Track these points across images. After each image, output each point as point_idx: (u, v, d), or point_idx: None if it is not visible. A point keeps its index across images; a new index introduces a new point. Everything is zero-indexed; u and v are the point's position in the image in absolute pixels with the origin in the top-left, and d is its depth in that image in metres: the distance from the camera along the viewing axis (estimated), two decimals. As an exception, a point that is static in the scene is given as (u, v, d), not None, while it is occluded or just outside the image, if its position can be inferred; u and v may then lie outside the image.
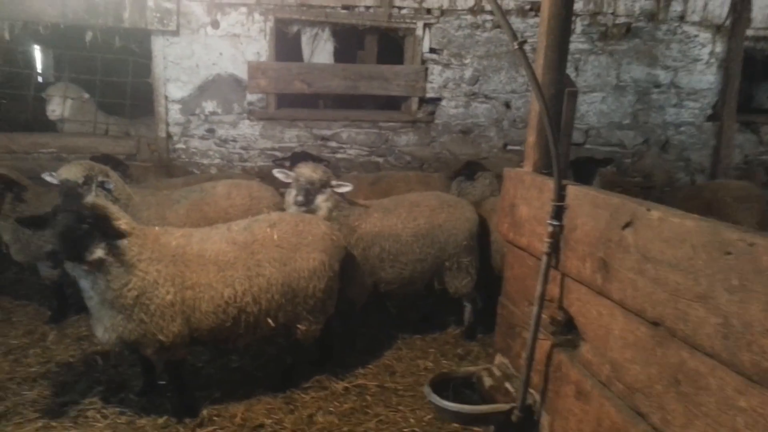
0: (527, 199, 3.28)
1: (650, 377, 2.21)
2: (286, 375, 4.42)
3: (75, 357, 4.62)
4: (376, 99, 8.52)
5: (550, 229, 2.84)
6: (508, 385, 3.21)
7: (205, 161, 7.23)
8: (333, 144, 7.62)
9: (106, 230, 3.39)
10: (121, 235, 3.45)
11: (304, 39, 7.62)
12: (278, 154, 7.31)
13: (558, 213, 2.83)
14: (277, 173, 4.90)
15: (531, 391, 3.04)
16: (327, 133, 7.59)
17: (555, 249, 2.86)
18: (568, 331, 2.84)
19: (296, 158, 6.21)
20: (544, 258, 2.85)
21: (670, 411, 2.10)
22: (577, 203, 2.77)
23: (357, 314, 5.35)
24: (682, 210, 2.23)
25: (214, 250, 3.91)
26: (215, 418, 3.91)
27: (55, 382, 4.23)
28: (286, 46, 7.68)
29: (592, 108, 8.11)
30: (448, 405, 2.95)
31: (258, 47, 7.17)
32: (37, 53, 10.82)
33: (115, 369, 4.47)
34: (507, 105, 7.95)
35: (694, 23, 8.15)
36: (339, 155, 7.62)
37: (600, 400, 2.49)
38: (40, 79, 10.28)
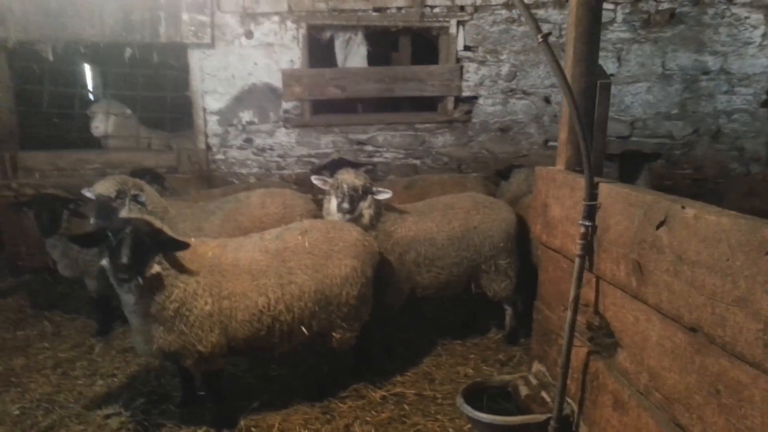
0: (559, 198, 3.14)
1: (689, 387, 2.06)
2: (323, 384, 4.39)
3: (119, 369, 4.72)
4: (413, 100, 8.45)
5: (582, 229, 2.70)
6: (544, 394, 3.08)
7: (244, 171, 7.31)
8: (369, 148, 7.59)
9: (162, 244, 3.44)
10: (182, 246, 3.50)
11: (338, 44, 7.62)
12: (315, 160, 7.33)
13: (590, 212, 2.69)
14: (316, 180, 4.85)
15: (568, 400, 2.90)
16: (363, 137, 7.56)
17: (588, 251, 2.73)
18: (604, 337, 2.69)
19: (334, 165, 6.20)
20: (577, 260, 2.71)
21: (711, 424, 1.95)
22: (609, 202, 2.62)
23: (395, 320, 5.28)
24: (733, 201, 2.08)
25: (247, 259, 3.92)
26: (253, 429, 3.92)
27: (100, 394, 4.34)
28: (320, 51, 7.69)
29: (638, 99, 7.79)
30: (480, 416, 2.84)
31: (291, 55, 7.22)
32: (88, 72, 11.22)
33: (157, 380, 4.54)
34: (546, 100, 7.73)
35: (743, 4, 7.72)
36: (375, 159, 7.58)
37: (638, 411, 2.34)
38: (91, 97, 10.65)
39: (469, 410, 2.88)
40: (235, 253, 3.93)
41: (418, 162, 7.70)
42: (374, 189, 4.68)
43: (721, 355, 1.90)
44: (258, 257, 3.95)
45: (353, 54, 7.71)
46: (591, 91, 3.22)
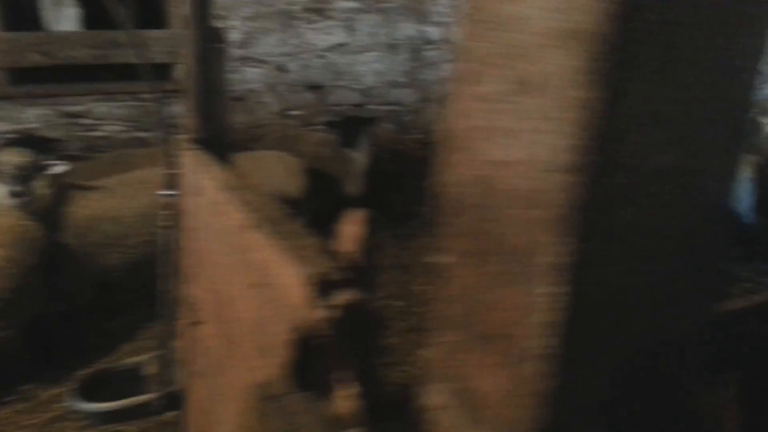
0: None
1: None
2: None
3: None
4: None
5: (162, 200, 2.60)
6: (169, 371, 2.99)
7: None
8: (87, 121, 6.92)
9: None
10: None
11: (44, 4, 6.80)
12: (18, 136, 6.49)
13: (172, 181, 2.60)
14: None
15: (182, 375, 2.84)
16: (78, 108, 6.86)
17: (177, 222, 2.64)
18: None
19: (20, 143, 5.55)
20: (161, 233, 2.61)
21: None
22: (187, 171, 2.54)
23: (93, 309, 4.88)
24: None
25: None
26: None
27: None
28: (26, 14, 6.80)
29: (369, 68, 8.04)
30: (80, 407, 2.67)
31: (-22, 16, 6.25)
32: None
33: None
34: (281, 68, 7.65)
35: (461, -22, 8.30)
36: (95, 133, 6.93)
37: (199, 380, 2.33)
38: None
39: (68, 402, 2.69)
40: None
41: (147, 135, 7.19)
42: (46, 164, 4.31)
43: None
44: None
45: (64, 16, 6.95)
46: (208, 56, 3.12)
